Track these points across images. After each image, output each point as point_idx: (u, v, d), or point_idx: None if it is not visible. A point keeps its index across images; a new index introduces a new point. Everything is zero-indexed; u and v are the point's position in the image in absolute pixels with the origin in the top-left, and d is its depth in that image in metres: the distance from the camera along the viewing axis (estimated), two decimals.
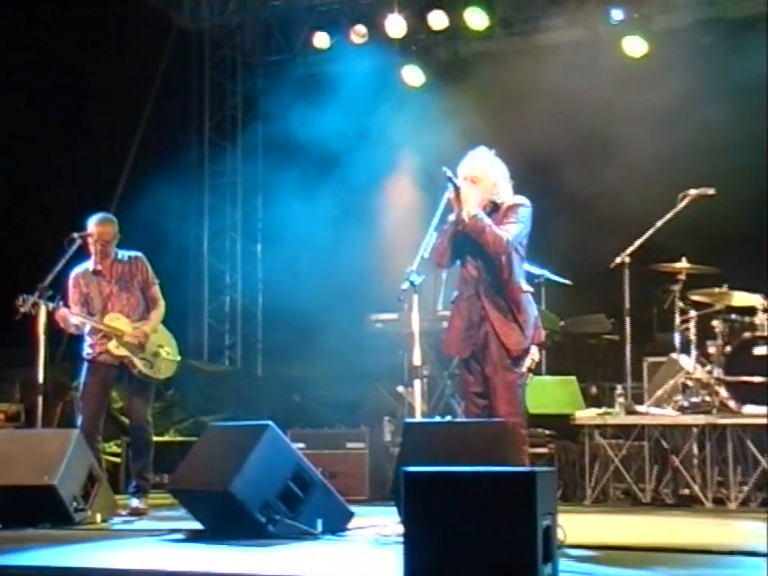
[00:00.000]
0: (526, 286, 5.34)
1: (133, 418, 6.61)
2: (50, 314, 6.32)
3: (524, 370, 5.24)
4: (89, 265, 6.60)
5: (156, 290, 6.69)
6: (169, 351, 6.66)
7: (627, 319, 7.37)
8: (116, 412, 7.96)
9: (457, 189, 5.21)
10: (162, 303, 6.68)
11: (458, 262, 5.36)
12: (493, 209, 5.30)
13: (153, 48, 10.21)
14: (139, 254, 6.71)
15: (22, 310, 6.20)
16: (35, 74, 9.33)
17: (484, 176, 5.29)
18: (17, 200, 9.43)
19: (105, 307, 6.54)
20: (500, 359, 5.18)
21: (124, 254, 6.67)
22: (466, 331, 5.26)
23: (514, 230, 5.20)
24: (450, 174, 5.24)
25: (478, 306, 5.24)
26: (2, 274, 8.44)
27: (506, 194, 5.33)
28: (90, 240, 6.50)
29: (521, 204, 5.30)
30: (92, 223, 6.54)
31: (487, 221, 5.18)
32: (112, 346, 6.45)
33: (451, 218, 5.28)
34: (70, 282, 6.59)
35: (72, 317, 6.43)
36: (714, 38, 8.96)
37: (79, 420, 6.47)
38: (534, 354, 5.27)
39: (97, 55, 9.51)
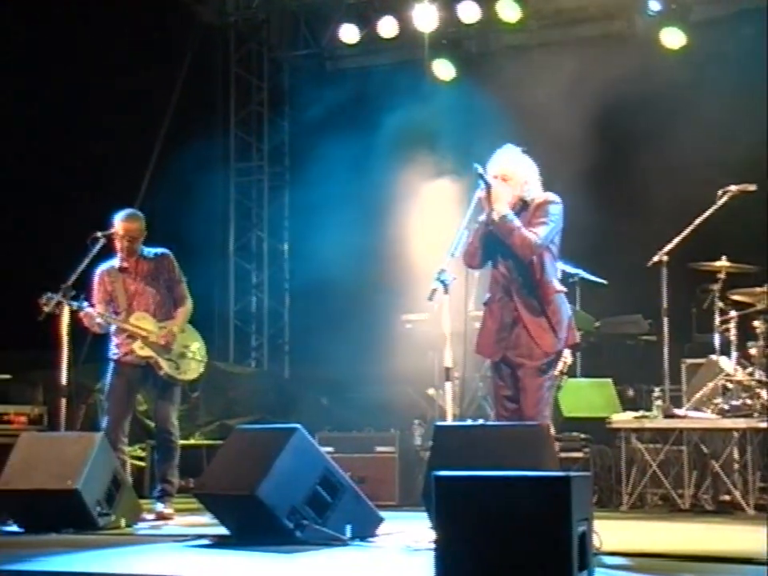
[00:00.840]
0: (559, 286, 5.28)
1: (158, 420, 6.54)
2: (74, 314, 6.24)
3: (556, 372, 5.17)
4: (114, 262, 6.57)
5: (183, 287, 6.63)
6: (195, 351, 6.56)
7: (665, 320, 7.27)
8: (141, 415, 7.91)
9: (488, 186, 5.14)
10: (188, 301, 6.62)
11: (489, 263, 5.28)
12: (522, 207, 5.23)
13: (177, 43, 10.19)
14: (166, 251, 6.66)
15: (46, 309, 6.13)
16: (59, 70, 9.30)
17: (514, 174, 5.23)
18: (41, 199, 9.41)
19: (130, 305, 6.48)
20: (532, 362, 5.11)
21: (150, 251, 6.62)
22: (498, 333, 5.21)
23: (543, 230, 5.12)
24: (481, 170, 5.18)
25: (510, 307, 5.18)
26: (26, 274, 8.42)
27: (535, 192, 5.26)
28: (116, 237, 6.45)
29: (551, 201, 5.22)
30: (119, 219, 6.49)
31: (517, 222, 5.11)
32: (137, 346, 6.40)
33: (481, 217, 5.20)
34: (95, 280, 6.55)
35: (97, 317, 6.33)
36: (755, 30, 8.79)
37: (104, 422, 6.43)
38: (567, 356, 5.19)
39: (120, 50, 9.47)
